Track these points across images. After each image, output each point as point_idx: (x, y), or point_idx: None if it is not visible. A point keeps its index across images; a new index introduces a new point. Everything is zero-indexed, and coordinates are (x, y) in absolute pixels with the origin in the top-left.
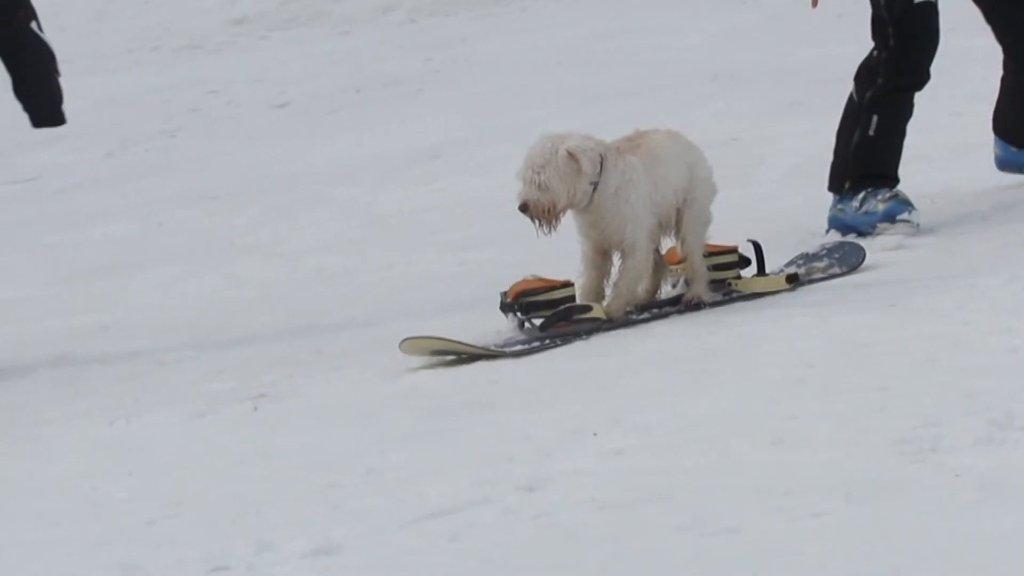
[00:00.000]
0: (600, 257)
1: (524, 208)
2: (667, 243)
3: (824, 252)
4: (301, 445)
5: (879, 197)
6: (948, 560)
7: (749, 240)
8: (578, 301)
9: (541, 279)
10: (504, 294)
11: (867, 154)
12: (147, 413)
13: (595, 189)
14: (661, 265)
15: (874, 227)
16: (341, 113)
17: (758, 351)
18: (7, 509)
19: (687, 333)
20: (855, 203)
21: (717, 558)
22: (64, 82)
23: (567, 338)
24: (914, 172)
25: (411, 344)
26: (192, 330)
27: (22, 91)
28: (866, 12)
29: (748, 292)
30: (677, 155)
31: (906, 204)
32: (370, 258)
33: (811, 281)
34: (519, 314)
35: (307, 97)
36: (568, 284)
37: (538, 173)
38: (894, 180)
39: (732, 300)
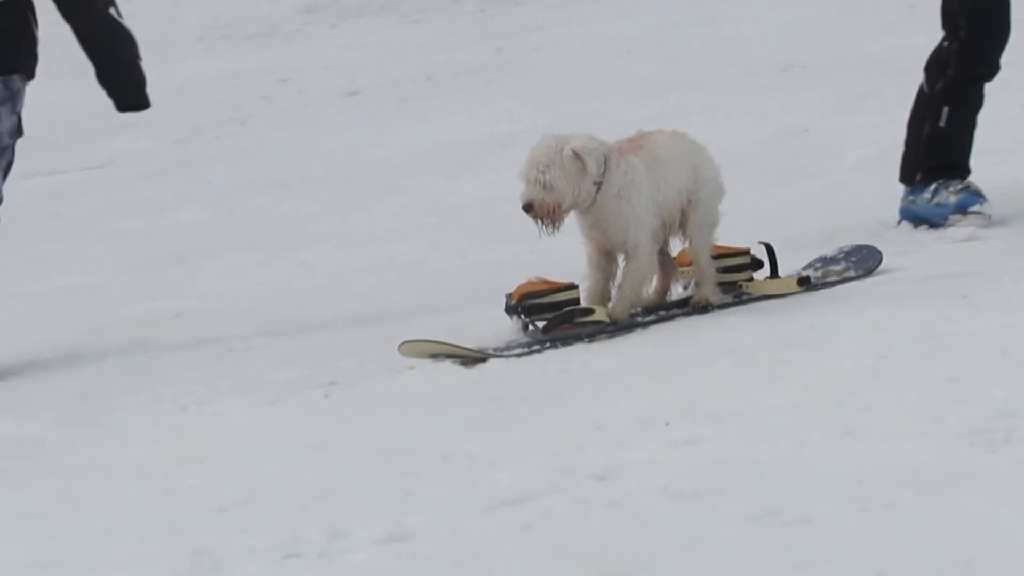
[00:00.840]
0: (604, 259)
1: (528, 208)
2: (677, 245)
3: (842, 255)
4: (373, 432)
5: (951, 189)
6: (1020, 551)
7: (761, 242)
8: (583, 303)
9: (546, 281)
10: (509, 296)
11: (938, 145)
12: (218, 400)
13: (598, 189)
14: (671, 267)
15: (946, 219)
16: (411, 102)
17: (831, 342)
18: (80, 496)
19: (760, 323)
20: (927, 195)
21: (789, 548)
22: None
23: (568, 341)
24: (985, 163)
25: (409, 347)
26: (263, 317)
27: (105, 77)
28: (937, 2)
29: (758, 294)
30: (680, 156)
31: (978, 195)
32: (442, 247)
33: (825, 284)
34: (523, 316)
35: (377, 86)
36: (572, 286)
37: (543, 172)
38: (965, 171)
39: (742, 302)
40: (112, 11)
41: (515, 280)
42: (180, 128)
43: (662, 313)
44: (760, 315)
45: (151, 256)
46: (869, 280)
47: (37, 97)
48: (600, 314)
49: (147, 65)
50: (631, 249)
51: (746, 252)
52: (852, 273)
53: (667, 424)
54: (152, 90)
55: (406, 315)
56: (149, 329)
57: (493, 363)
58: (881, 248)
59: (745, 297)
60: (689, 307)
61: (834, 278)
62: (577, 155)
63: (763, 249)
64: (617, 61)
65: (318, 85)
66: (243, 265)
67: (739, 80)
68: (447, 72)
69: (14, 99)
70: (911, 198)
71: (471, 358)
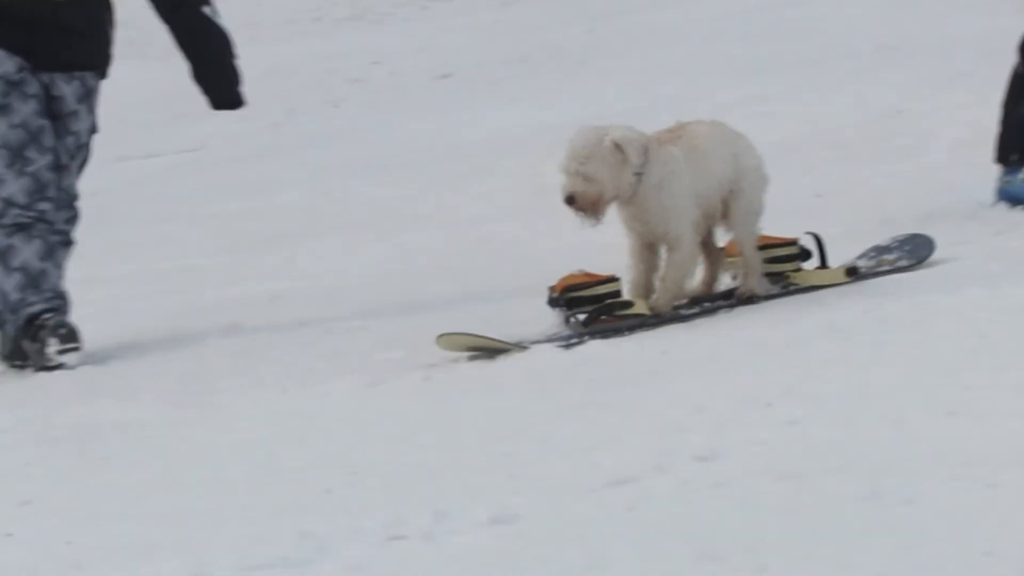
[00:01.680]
0: (647, 251)
1: (570, 200)
2: (724, 236)
3: (896, 244)
4: (475, 414)
5: None
6: None
7: (808, 232)
8: (627, 296)
9: (587, 274)
10: (552, 288)
11: None
12: (319, 382)
13: (639, 181)
14: (718, 257)
15: None
16: (504, 84)
17: (932, 322)
18: (183, 479)
19: (860, 304)
20: (1022, 175)
21: (894, 528)
22: None
23: (607, 334)
24: None
25: (447, 340)
26: (361, 299)
27: (200, 76)
28: None
29: (806, 285)
30: (720, 145)
31: None
32: (539, 227)
33: (875, 274)
34: (564, 309)
35: (470, 68)
36: (613, 279)
37: (583, 164)
38: None
39: (789, 293)
40: (206, 9)
41: (612, 260)
42: (274, 111)
43: (707, 305)
44: (860, 296)
45: (247, 238)
46: (967, 261)
47: (131, 81)
48: (640, 307)
49: (239, 47)
50: (672, 240)
51: (793, 242)
52: (904, 263)
53: (769, 405)
54: (245, 73)
55: (503, 296)
56: (247, 311)
57: (594, 344)
58: (978, 228)
59: (792, 288)
60: (734, 298)
61: (886, 267)
62: (618, 146)
63: (811, 239)
64: (708, 42)
65: (410, 68)
66: (339, 247)
67: (832, 61)
68: (539, 54)
69: (90, 97)
70: (1007, 179)
71: (508, 350)
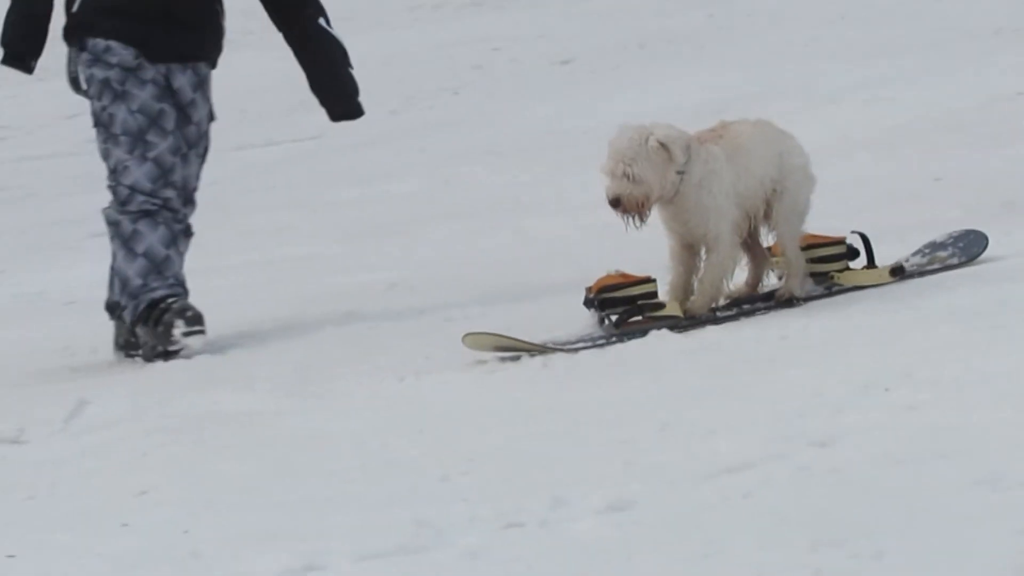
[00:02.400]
0: (686, 252)
1: (616, 203)
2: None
3: (950, 241)
4: (592, 401)
5: None
6: None
7: (855, 232)
8: (665, 297)
9: (623, 275)
10: (588, 289)
11: None
12: (436, 370)
13: (680, 180)
14: (763, 258)
15: None
16: (624, 70)
17: None
18: (299, 467)
19: (979, 288)
20: None
21: (1012, 513)
22: (347, 40)
23: (636, 335)
24: None
25: (472, 339)
26: (479, 287)
27: (317, 87)
28: None
29: (850, 285)
30: (763, 144)
31: None
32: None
33: (922, 273)
34: (598, 310)
35: (590, 54)
36: (648, 280)
37: (629, 166)
38: None
39: (831, 294)
40: (321, 20)
41: None
42: (393, 98)
43: (746, 307)
44: (979, 280)
45: (365, 226)
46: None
47: (250, 70)
48: (672, 308)
49: (358, 34)
50: (711, 241)
51: (841, 241)
52: (955, 260)
53: (886, 390)
54: (364, 61)
55: None
56: (364, 299)
57: (712, 330)
58: None
59: (835, 288)
60: (774, 300)
61: (936, 265)
62: (663, 145)
63: (858, 238)
64: (828, 26)
65: (530, 54)
66: (458, 234)
67: (951, 44)
68: (659, 39)
69: (204, 86)
70: None
71: (534, 352)
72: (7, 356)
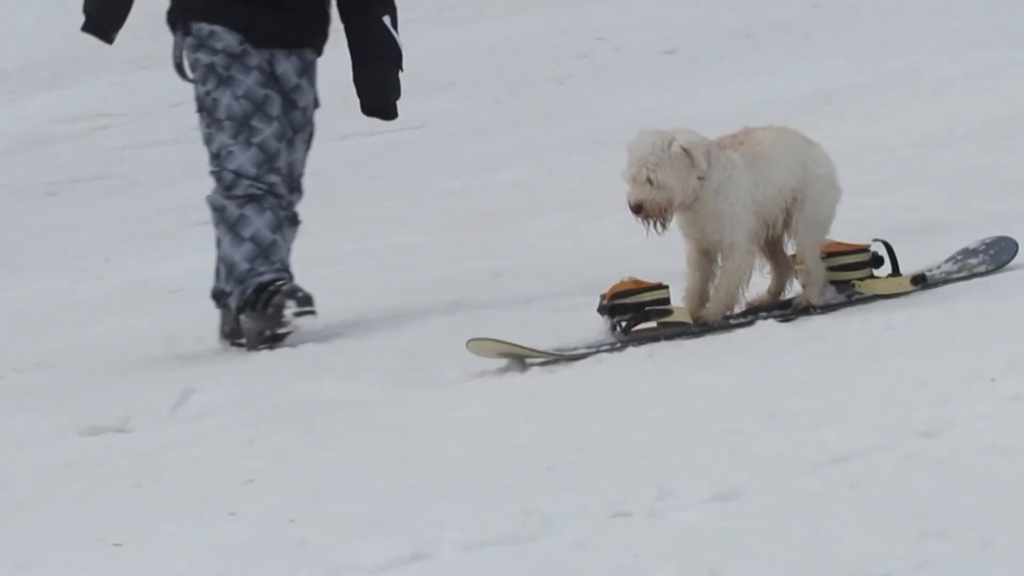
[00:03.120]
0: (703, 258)
1: (638, 209)
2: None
3: (983, 248)
4: (699, 390)
5: None
6: None
7: (876, 239)
8: (681, 304)
9: (636, 281)
10: (602, 296)
11: None
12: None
13: (700, 186)
14: (786, 266)
15: None
16: (728, 59)
17: None
18: (406, 457)
19: None
20: None
21: None
22: (452, 29)
23: (643, 342)
24: None
25: (475, 345)
26: (585, 276)
27: (359, 78)
28: None
29: (870, 294)
30: (785, 152)
31: None
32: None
33: (947, 281)
34: (608, 316)
35: (694, 43)
36: (660, 286)
37: (652, 171)
38: None
39: (851, 303)
40: (386, 19)
41: (835, 235)
42: (497, 88)
43: (762, 314)
44: None
45: (470, 215)
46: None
47: None
48: (681, 314)
49: (464, 24)
50: (726, 248)
51: (864, 249)
52: (982, 268)
53: (993, 380)
54: (469, 50)
55: None
56: (470, 288)
57: (819, 320)
58: None
59: (855, 297)
60: (791, 309)
61: (964, 274)
62: (685, 151)
63: (881, 246)
64: (934, 16)
65: (635, 43)
66: (563, 224)
67: None
68: (763, 29)
69: (310, 72)
70: None
71: (537, 359)
72: (113, 345)
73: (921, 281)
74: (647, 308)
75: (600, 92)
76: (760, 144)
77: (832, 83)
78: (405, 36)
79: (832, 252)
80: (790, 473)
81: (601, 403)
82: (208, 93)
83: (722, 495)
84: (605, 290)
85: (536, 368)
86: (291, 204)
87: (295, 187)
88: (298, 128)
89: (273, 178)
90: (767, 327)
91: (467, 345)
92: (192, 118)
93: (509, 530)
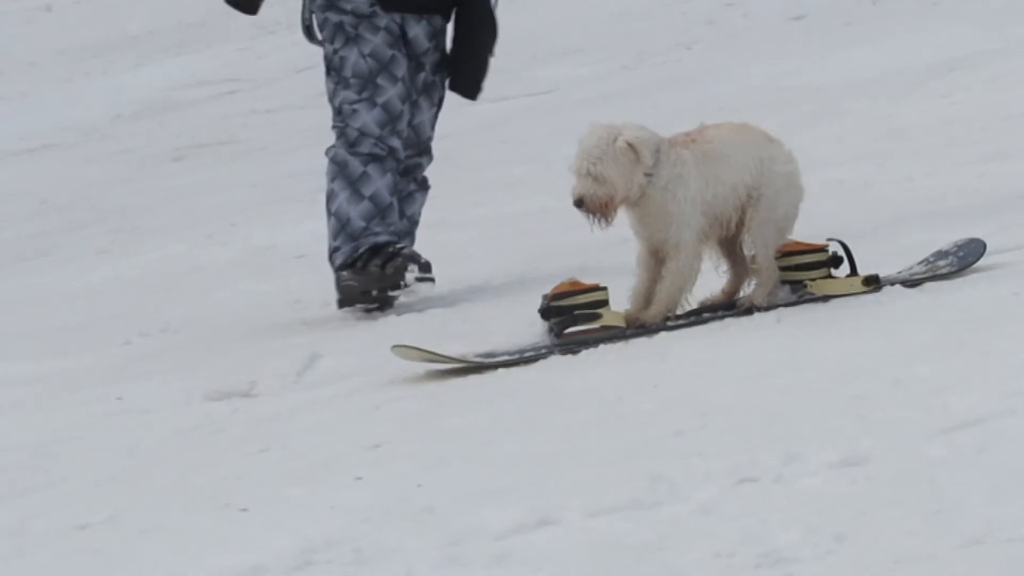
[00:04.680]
0: (652, 258)
1: (579, 203)
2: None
3: (953, 249)
4: (825, 356)
5: None
6: None
7: (831, 239)
8: (629, 304)
9: (574, 282)
10: (545, 296)
11: None
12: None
13: (648, 183)
14: (743, 266)
15: None
16: (857, 26)
17: None
18: (533, 421)
19: None
20: None
21: None
22: None
23: (578, 347)
24: None
25: (400, 351)
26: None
27: (458, 57)
28: None
29: (820, 295)
30: (739, 150)
31: None
32: (890, 170)
33: (910, 282)
34: (544, 318)
35: (823, 10)
36: (598, 288)
37: (594, 165)
38: None
39: (803, 302)
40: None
41: (962, 203)
42: (625, 53)
43: (706, 315)
44: None
45: None
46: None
47: None
48: (612, 318)
49: None
50: (672, 248)
51: (823, 248)
52: (946, 270)
53: None
54: (596, 16)
55: (857, 238)
56: (597, 254)
57: (944, 286)
58: None
59: (807, 297)
60: (737, 309)
61: (928, 275)
62: (631, 146)
63: (838, 246)
64: None
65: (763, 9)
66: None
67: None
68: None
69: (439, 37)
70: None
71: (460, 366)
72: (239, 310)
73: (874, 282)
74: (576, 312)
75: (727, 58)
76: (712, 142)
77: (960, 51)
78: (537, 1)
79: (788, 252)
80: (916, 439)
81: (728, 369)
82: (336, 51)
83: (848, 460)
84: (548, 290)
85: (663, 334)
86: (420, 167)
87: (424, 150)
88: (424, 90)
89: (395, 141)
90: (894, 293)
91: (392, 349)
92: (318, 83)
93: (635, 495)
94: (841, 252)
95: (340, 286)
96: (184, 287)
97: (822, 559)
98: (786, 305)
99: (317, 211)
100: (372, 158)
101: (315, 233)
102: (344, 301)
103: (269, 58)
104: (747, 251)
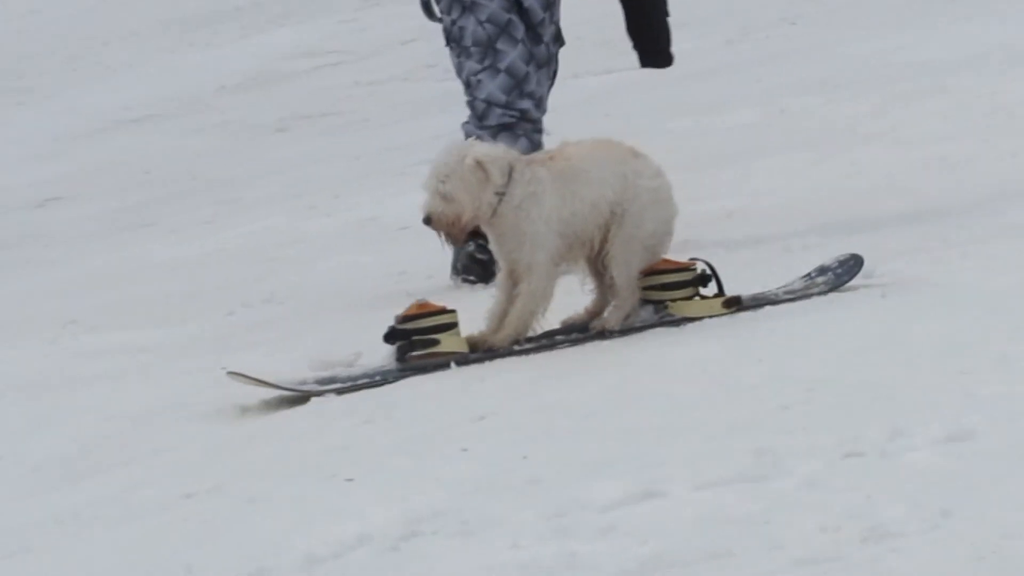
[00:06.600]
0: (508, 280)
1: (428, 221)
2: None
3: (835, 265)
4: (931, 332)
5: None
6: None
7: (695, 258)
8: (485, 326)
9: (422, 305)
10: (396, 318)
11: None
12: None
13: (500, 201)
14: (603, 288)
15: None
16: (961, 1)
17: None
18: (638, 394)
19: None
20: None
21: None
22: None
23: (425, 370)
24: None
25: (234, 376)
26: (815, 217)
27: (633, 30)
28: None
29: (679, 316)
30: (599, 166)
31: None
32: (994, 146)
33: (767, 303)
34: (388, 341)
35: None
36: (445, 311)
37: (443, 183)
38: None
39: (662, 324)
40: None
41: None
42: (729, 28)
43: (558, 338)
44: None
45: (702, 155)
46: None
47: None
48: (454, 343)
49: None
50: (524, 269)
51: (690, 267)
52: (819, 289)
53: None
54: None
55: (960, 215)
56: (701, 228)
57: None
58: None
59: (666, 318)
60: (590, 331)
61: (798, 294)
62: (479, 164)
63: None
64: None
65: None
66: (794, 165)
67: None
68: None
69: (553, 8)
70: None
71: (294, 395)
72: (343, 281)
73: (735, 303)
74: (413, 338)
75: (832, 33)
76: (571, 159)
77: None
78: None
79: (654, 271)
80: (1023, 415)
81: (833, 343)
82: (454, 22)
83: (954, 436)
84: (400, 311)
85: (769, 308)
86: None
87: (538, 128)
88: (541, 63)
89: (525, 103)
90: (994, 271)
91: (227, 374)
92: (422, 56)
93: (740, 469)
94: (708, 271)
95: (462, 265)
96: (287, 258)
97: (928, 534)
98: (644, 328)
99: (418, 183)
100: (501, 128)
101: (417, 205)
102: (466, 269)
103: (374, 30)
104: (608, 270)
